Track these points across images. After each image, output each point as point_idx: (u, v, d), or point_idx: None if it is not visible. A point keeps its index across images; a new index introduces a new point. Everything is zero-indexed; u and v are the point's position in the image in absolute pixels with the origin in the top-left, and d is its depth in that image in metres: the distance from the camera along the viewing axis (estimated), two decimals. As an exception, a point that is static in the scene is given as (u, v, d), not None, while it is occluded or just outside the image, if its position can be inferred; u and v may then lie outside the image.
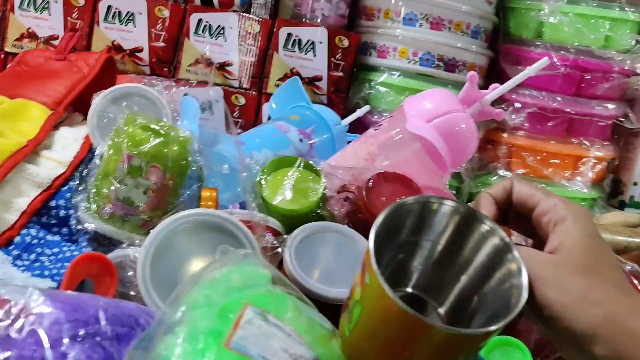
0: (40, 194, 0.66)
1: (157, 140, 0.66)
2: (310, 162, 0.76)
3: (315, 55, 1.01)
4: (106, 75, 0.90)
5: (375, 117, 1.02)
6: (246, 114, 1.02)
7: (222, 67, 1.01)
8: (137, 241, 0.65)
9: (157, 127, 0.66)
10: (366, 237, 0.63)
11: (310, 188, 0.74)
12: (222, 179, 0.76)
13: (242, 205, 0.82)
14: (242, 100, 1.02)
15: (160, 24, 0.99)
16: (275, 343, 0.41)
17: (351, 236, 0.68)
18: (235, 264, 0.48)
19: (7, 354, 0.41)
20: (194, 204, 0.73)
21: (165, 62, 1.01)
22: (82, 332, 0.43)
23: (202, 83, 1.01)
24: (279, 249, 0.60)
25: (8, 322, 0.42)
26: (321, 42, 1.00)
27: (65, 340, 0.42)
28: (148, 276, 0.51)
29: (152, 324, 0.43)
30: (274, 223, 0.67)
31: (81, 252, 0.65)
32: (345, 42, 1.01)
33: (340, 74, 1.02)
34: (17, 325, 0.42)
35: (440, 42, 1.01)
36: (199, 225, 0.55)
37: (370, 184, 0.74)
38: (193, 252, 0.55)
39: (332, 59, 1.01)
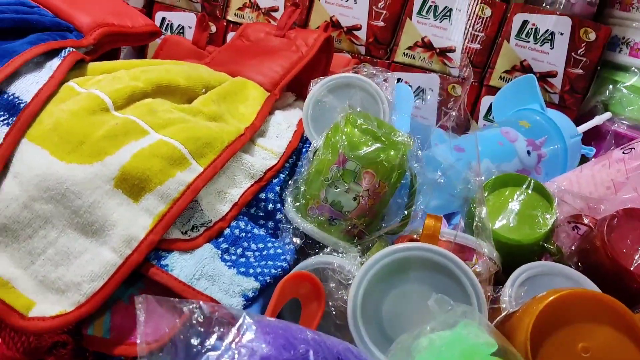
0: (252, 185, 0.64)
1: (376, 146, 0.60)
2: (542, 184, 0.66)
3: (552, 48, 0.87)
4: (322, 55, 0.86)
5: (615, 125, 0.86)
6: (462, 106, 0.93)
7: (443, 52, 0.92)
8: (340, 248, 0.62)
9: (377, 132, 0.61)
10: (599, 283, 0.52)
11: (538, 216, 0.64)
12: (432, 186, 0.69)
13: (450, 218, 0.74)
14: (460, 91, 0.92)
15: (382, 2, 0.92)
16: None
17: (579, 282, 0.58)
18: (456, 324, 0.41)
19: (215, 386, 0.38)
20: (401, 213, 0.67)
21: (382, 43, 0.95)
22: (290, 375, 0.40)
23: (419, 68, 0.94)
24: (503, 302, 0.51)
25: (219, 352, 0.40)
26: (562, 33, 0.87)
27: (274, 383, 0.39)
28: (359, 317, 0.46)
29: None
30: (496, 256, 0.58)
31: (284, 250, 0.62)
32: (592, 35, 0.86)
33: (580, 71, 0.87)
34: (227, 357, 0.40)
35: None
36: (417, 261, 0.48)
37: (615, 221, 0.61)
38: (407, 285, 0.49)
39: (573, 53, 0.87)
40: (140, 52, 1.00)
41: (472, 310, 0.43)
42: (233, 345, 0.40)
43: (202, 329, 0.41)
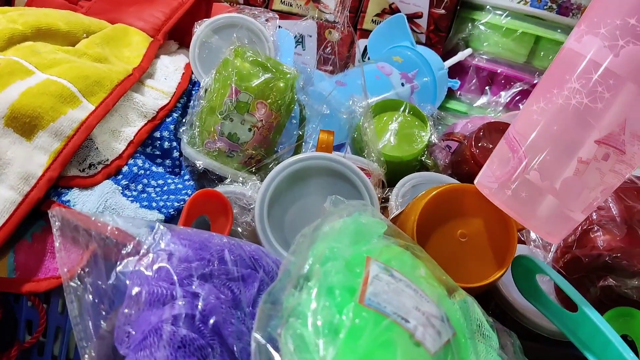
0: (146, 124, 0.65)
1: (266, 76, 0.63)
2: (416, 106, 0.73)
3: (417, -10, 0.95)
4: (202, 3, 0.87)
5: (476, 60, 0.96)
6: (339, 50, 0.98)
7: (318, -1, 0.97)
8: (240, 178, 0.64)
9: (266, 62, 0.64)
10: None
11: (415, 135, 0.71)
12: (320, 119, 0.74)
13: (339, 148, 0.79)
14: (336, 36, 0.97)
15: (257, -49, 0.94)
16: (407, 300, 0.40)
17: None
18: (351, 214, 0.46)
19: (137, 289, 0.40)
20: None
21: (259, -8, 0.97)
22: (209, 271, 0.42)
23: (296, 15, 0.97)
24: (391, 201, 0.57)
25: (137, 257, 0.42)
26: (424, -23, 0.94)
27: (195, 279, 0.41)
28: (266, 220, 0.50)
29: (279, 274, 0.41)
30: (382, 163, 0.64)
31: (184, 185, 0.64)
32: (451, -22, 0.94)
33: (443, 11, 0.95)
34: (146, 260, 0.42)
35: (555, -18, 0.92)
36: (315, 169, 0.53)
37: (481, 133, 0.70)
38: (307, 196, 0.53)
39: (436, -5, 0.95)
40: (5, 9, 0.94)
41: (365, 204, 0.48)
42: (150, 251, 0.42)
43: (119, 240, 0.43)
